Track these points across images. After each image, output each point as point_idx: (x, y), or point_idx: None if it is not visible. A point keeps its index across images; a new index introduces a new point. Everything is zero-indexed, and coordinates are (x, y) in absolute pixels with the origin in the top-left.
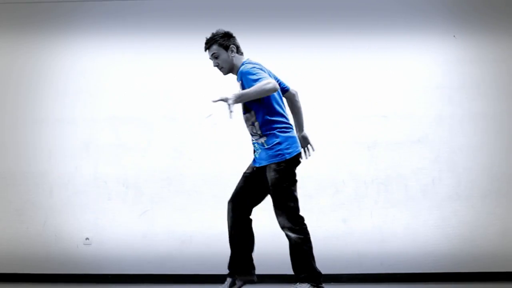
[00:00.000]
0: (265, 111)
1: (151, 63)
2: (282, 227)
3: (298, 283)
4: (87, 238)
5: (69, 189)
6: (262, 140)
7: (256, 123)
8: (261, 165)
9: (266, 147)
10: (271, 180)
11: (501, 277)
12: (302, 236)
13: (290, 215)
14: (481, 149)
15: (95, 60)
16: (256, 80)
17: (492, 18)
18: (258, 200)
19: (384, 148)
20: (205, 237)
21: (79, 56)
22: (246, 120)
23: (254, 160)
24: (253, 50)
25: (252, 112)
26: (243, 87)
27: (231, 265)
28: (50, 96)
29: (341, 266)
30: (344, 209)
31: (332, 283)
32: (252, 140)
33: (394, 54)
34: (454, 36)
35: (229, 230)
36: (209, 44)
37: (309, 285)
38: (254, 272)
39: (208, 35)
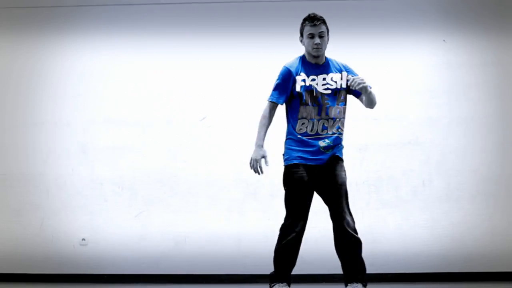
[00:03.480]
0: None
1: (146, 66)
2: (348, 226)
3: (356, 283)
4: (83, 239)
5: (66, 190)
6: (341, 136)
7: (343, 119)
8: (333, 153)
9: (339, 144)
10: (342, 178)
11: (490, 277)
12: (359, 237)
13: (352, 215)
14: (470, 151)
15: (92, 64)
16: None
17: (481, 24)
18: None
19: (375, 150)
20: (199, 238)
21: (76, 59)
22: (337, 111)
23: (319, 155)
24: (247, 50)
25: (346, 107)
26: (347, 81)
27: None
28: (47, 99)
29: (333, 266)
30: None
31: (324, 283)
32: (330, 135)
33: (385, 57)
34: (444, 40)
35: (289, 248)
36: (322, 21)
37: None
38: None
39: (312, 13)
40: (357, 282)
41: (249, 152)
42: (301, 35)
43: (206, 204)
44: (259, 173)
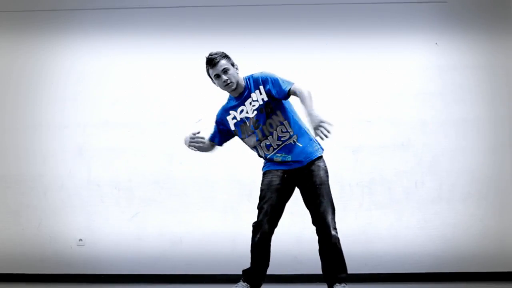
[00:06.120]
0: (291, 110)
1: (143, 68)
2: (328, 227)
3: (338, 284)
4: (80, 239)
5: (63, 191)
6: (294, 139)
7: (286, 122)
8: (303, 164)
9: (302, 145)
10: (320, 178)
11: (482, 276)
12: (338, 236)
13: (334, 214)
14: (462, 153)
15: (89, 67)
16: (289, 82)
17: (472, 27)
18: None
19: (369, 152)
20: (195, 238)
21: (73, 61)
22: (270, 125)
23: (285, 164)
24: (243, 52)
25: (278, 112)
26: (270, 92)
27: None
28: (44, 101)
29: None
30: None
31: (318, 283)
32: (277, 147)
33: (378, 60)
34: (436, 43)
35: (257, 246)
36: (217, 59)
37: (346, 285)
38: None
39: (208, 54)
40: (345, 282)
41: (245, 153)
42: (211, 79)
43: (201, 205)
44: (197, 143)
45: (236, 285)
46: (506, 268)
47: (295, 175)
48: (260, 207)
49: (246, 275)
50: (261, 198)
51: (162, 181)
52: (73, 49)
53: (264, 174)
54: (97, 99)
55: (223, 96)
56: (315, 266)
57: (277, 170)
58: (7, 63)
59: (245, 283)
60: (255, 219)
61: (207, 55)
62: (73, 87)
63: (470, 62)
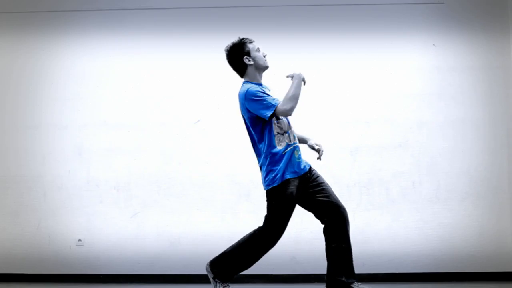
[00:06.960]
0: None
1: (142, 69)
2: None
3: (359, 283)
4: (79, 240)
5: (62, 192)
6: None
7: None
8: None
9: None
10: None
11: (478, 277)
12: None
13: None
14: (460, 153)
15: (89, 67)
16: None
17: (470, 28)
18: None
19: (366, 152)
20: (193, 239)
21: (73, 61)
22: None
23: (301, 164)
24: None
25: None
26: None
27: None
28: (43, 102)
29: (324, 266)
30: None
31: (316, 282)
32: (295, 144)
33: (376, 61)
34: (433, 44)
35: (263, 254)
36: None
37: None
38: None
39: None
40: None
41: (244, 154)
42: (246, 54)
43: (200, 205)
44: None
45: None
46: (503, 268)
47: (305, 180)
48: (281, 222)
49: (226, 274)
50: (285, 211)
51: (161, 182)
52: (73, 49)
53: (284, 183)
54: (97, 99)
55: (222, 97)
56: (312, 267)
57: (294, 179)
58: (7, 63)
59: (226, 283)
60: (257, 219)
61: (241, 38)
62: (73, 87)
63: (467, 63)
